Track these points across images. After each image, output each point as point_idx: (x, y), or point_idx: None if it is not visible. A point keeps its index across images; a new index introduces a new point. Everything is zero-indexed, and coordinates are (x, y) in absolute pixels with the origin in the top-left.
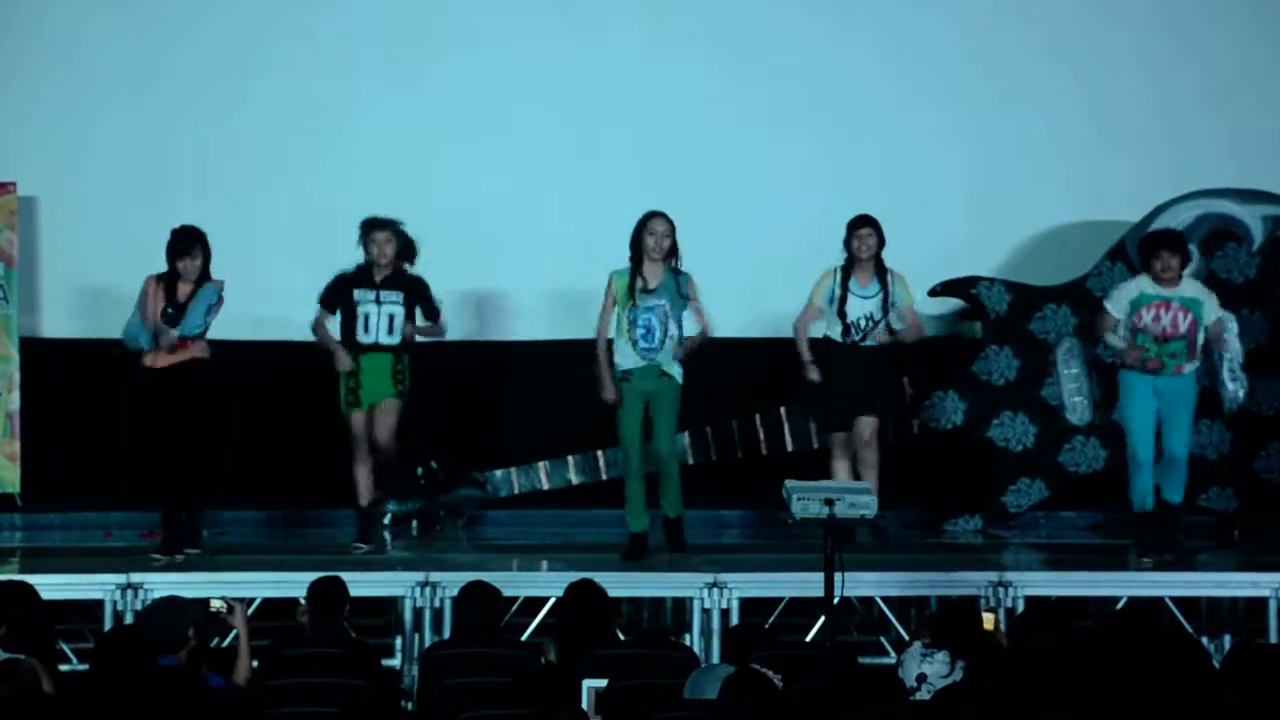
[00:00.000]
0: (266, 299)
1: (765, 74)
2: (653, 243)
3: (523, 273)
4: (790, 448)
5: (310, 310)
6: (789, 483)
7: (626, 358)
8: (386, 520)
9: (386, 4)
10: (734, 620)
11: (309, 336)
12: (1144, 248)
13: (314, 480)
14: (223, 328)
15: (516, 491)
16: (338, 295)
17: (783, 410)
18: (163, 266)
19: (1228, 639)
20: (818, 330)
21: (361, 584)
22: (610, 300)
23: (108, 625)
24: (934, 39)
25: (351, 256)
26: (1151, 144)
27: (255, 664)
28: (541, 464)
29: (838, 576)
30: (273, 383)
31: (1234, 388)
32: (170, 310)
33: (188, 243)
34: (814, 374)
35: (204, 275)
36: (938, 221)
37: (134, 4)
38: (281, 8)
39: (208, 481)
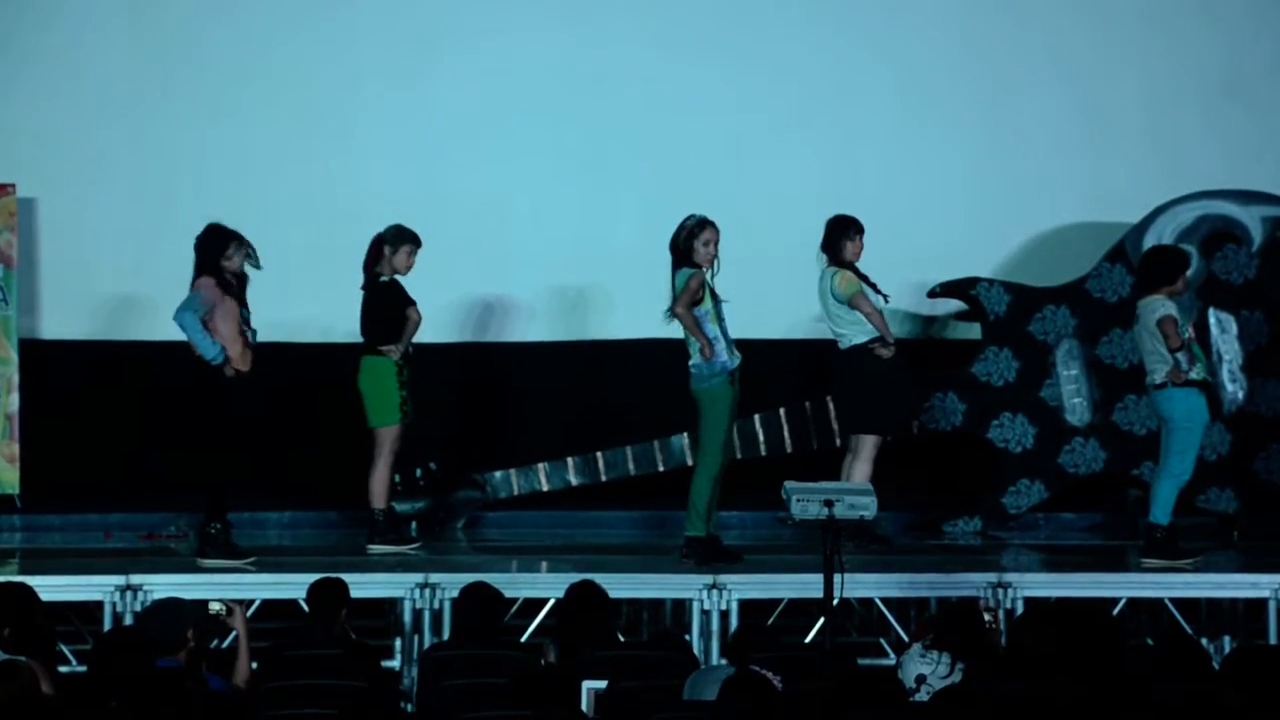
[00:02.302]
0: (265, 300)
1: (766, 77)
2: (707, 253)
3: (522, 275)
4: (790, 449)
5: (302, 311)
6: (788, 484)
7: (731, 357)
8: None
9: (389, 8)
10: (733, 621)
11: (308, 338)
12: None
13: (314, 481)
14: None
15: (516, 493)
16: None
17: (782, 411)
18: (163, 268)
19: (1227, 640)
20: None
21: (361, 585)
22: (703, 292)
23: (107, 626)
24: (933, 43)
25: (351, 257)
26: (1148, 146)
27: (255, 665)
28: (541, 465)
29: (837, 578)
30: (269, 383)
31: (1233, 389)
32: (245, 313)
33: (231, 238)
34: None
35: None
36: (938, 222)
37: (136, 7)
38: (283, 10)
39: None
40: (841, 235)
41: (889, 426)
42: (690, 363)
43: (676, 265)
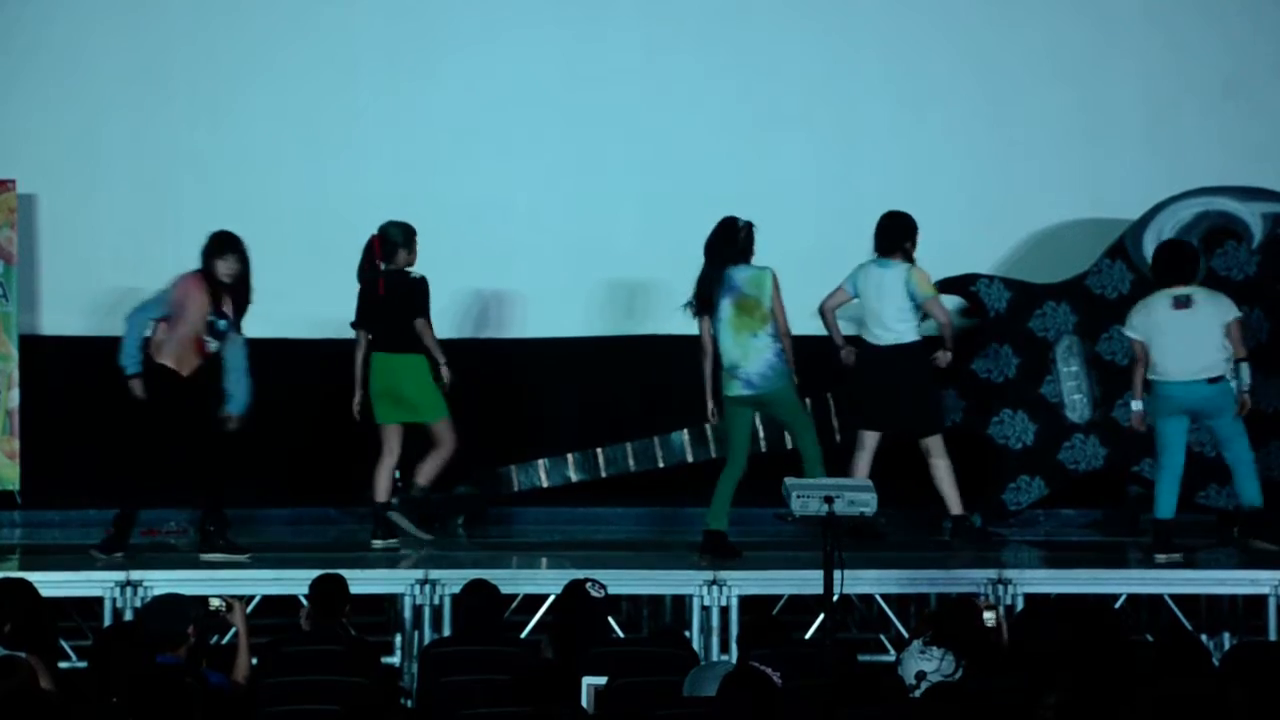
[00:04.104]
0: (266, 298)
1: (766, 75)
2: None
3: (523, 271)
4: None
5: (302, 307)
6: (788, 480)
7: None
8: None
9: (389, 7)
10: (733, 617)
11: (307, 334)
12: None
13: (315, 477)
14: None
15: (516, 489)
16: None
17: None
18: (161, 265)
19: (1227, 637)
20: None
21: (361, 581)
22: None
23: (107, 622)
24: (933, 41)
25: (351, 252)
26: (1148, 146)
27: (254, 661)
28: (541, 461)
29: (837, 574)
30: (269, 381)
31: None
32: (222, 323)
33: (231, 244)
34: (850, 357)
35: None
36: (937, 219)
37: (136, 4)
38: (284, 9)
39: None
40: (912, 233)
41: (935, 425)
42: (767, 359)
43: (731, 262)
